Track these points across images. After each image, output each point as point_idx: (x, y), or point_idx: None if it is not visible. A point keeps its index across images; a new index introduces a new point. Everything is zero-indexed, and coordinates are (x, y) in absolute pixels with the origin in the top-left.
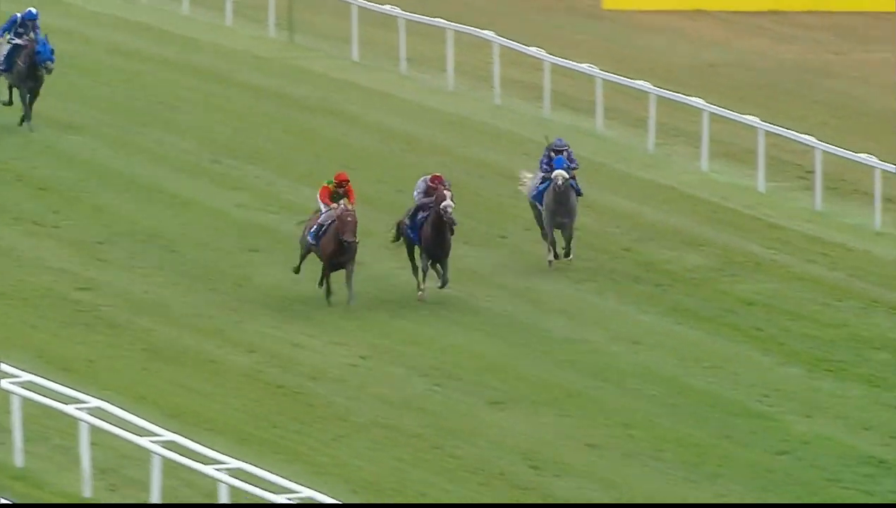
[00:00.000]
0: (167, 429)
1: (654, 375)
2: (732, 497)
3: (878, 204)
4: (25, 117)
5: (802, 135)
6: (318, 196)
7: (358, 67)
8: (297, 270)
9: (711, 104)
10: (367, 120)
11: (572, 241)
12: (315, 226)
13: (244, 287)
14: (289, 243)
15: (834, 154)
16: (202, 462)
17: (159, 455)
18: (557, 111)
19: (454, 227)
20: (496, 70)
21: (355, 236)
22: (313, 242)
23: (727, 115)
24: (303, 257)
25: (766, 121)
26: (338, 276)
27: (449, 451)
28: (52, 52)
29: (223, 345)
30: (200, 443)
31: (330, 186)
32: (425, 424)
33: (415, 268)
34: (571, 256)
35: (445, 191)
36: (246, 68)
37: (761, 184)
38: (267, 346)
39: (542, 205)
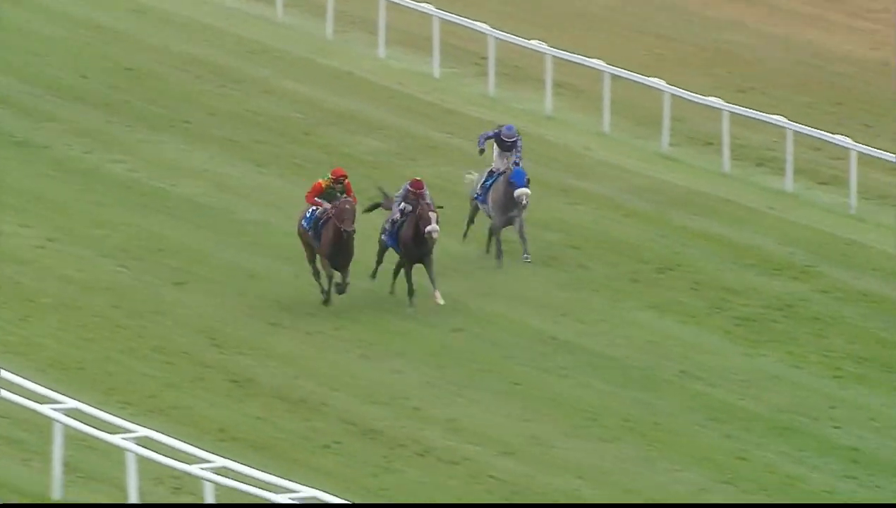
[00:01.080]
0: None
1: None
2: (408, 372)
3: (549, 89)
4: None
5: (476, 23)
6: (305, 197)
7: None
8: (324, 294)
9: None
10: (53, 9)
11: (527, 243)
12: (310, 213)
13: None
14: None
15: (507, 41)
16: None
17: None
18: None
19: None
20: None
21: (353, 224)
22: (310, 232)
23: (403, 3)
24: (313, 264)
25: (440, 9)
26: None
27: (134, 330)
28: None
29: None
30: None
31: (325, 182)
32: (111, 304)
33: (381, 266)
34: (528, 257)
35: (431, 213)
36: None
37: (437, 70)
38: None
39: (485, 202)
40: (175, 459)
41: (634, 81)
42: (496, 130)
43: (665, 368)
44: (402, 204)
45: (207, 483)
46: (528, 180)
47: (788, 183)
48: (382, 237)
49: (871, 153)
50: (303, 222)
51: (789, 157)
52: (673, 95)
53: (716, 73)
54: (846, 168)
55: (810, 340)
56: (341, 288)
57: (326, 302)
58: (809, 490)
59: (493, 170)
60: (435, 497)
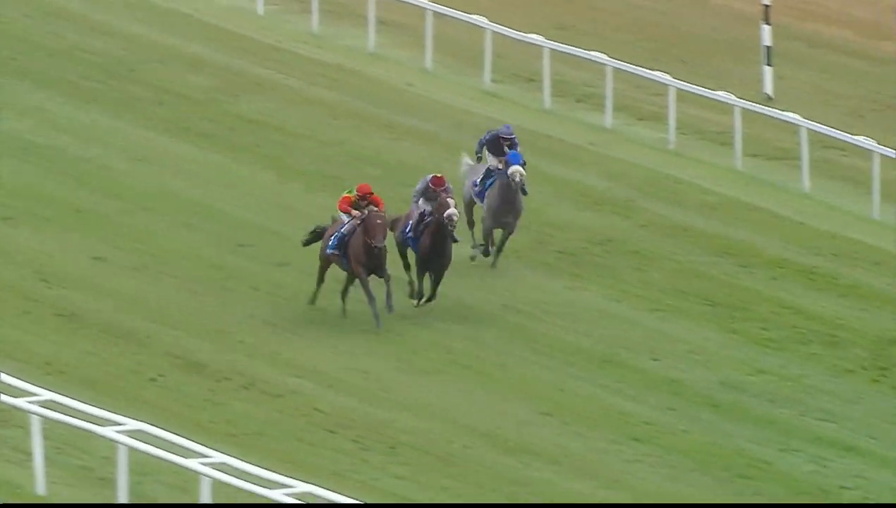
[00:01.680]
0: None
1: (157, 192)
2: (233, 306)
3: (372, 26)
4: None
5: None
6: (337, 205)
7: None
8: (313, 299)
9: None
10: None
11: (507, 242)
12: (335, 236)
13: None
14: None
15: None
16: None
17: None
18: None
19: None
20: None
21: (384, 240)
22: (336, 252)
23: None
24: (322, 275)
25: None
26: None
27: None
28: None
29: None
30: None
31: (351, 196)
32: None
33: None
34: (497, 258)
35: (449, 199)
36: None
37: (261, 7)
38: None
39: (481, 201)
40: (2, 393)
41: (456, 18)
42: (493, 132)
43: (488, 302)
44: (422, 203)
45: (34, 416)
46: (525, 163)
47: (608, 119)
48: (404, 237)
49: (689, 89)
50: (327, 249)
51: (609, 93)
52: (494, 32)
53: (536, 11)
54: (665, 104)
55: (631, 274)
56: (389, 304)
57: (378, 318)
58: (630, 422)
59: (491, 168)
60: (261, 430)
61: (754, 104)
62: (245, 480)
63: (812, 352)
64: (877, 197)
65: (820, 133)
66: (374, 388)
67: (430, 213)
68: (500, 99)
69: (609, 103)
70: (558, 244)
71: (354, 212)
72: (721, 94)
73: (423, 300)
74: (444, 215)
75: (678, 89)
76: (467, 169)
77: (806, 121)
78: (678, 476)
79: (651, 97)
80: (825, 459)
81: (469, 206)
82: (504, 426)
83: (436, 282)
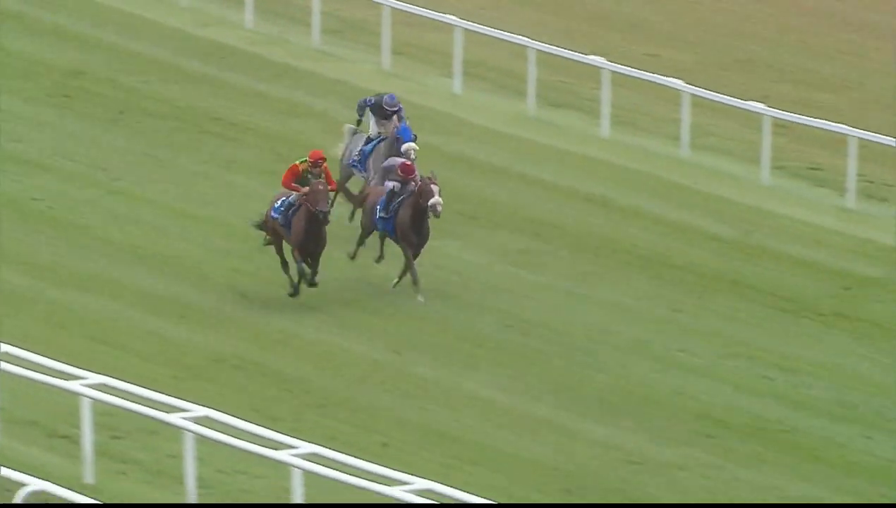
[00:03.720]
0: None
1: None
2: None
3: None
4: None
5: None
6: (282, 181)
7: None
8: (293, 291)
9: None
10: None
11: None
12: (282, 201)
13: None
14: None
15: None
16: None
17: None
18: None
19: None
20: None
21: (328, 206)
22: (279, 220)
23: None
24: (281, 255)
25: None
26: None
27: None
28: None
29: None
30: None
31: (302, 165)
32: None
33: (362, 243)
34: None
35: (433, 186)
36: None
37: None
38: None
39: (363, 170)
40: None
41: None
42: (376, 97)
43: None
44: (388, 181)
45: None
46: (416, 137)
47: None
48: (374, 219)
49: None
50: (272, 212)
51: None
52: None
53: None
54: None
55: None
56: (311, 281)
57: (294, 295)
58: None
59: (371, 136)
60: None
61: None
62: None
63: (6, 86)
64: None
65: None
66: None
67: (402, 191)
68: None
69: None
70: None
71: (303, 189)
72: None
73: (400, 277)
74: (429, 204)
75: None
76: (349, 138)
77: None
78: None
79: None
80: (20, 175)
81: (347, 179)
82: None
83: (414, 256)
